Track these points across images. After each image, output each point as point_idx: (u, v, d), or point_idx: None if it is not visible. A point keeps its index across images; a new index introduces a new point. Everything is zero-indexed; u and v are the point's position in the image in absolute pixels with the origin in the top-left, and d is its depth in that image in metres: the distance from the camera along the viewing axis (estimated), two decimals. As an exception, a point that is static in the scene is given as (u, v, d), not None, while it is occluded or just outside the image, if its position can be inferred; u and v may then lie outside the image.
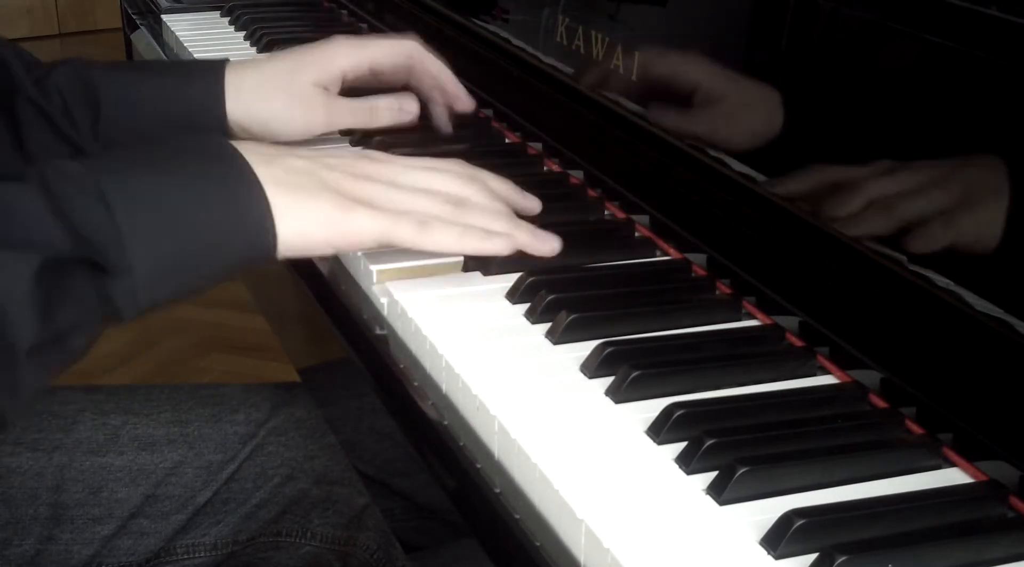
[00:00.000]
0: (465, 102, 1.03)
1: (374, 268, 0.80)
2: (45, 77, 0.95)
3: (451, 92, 1.03)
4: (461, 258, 0.82)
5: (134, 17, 1.52)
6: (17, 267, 0.61)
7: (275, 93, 0.98)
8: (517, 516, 0.62)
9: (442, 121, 1.03)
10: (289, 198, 0.73)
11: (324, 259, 0.87)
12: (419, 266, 0.80)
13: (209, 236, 0.70)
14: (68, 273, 0.64)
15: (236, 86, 0.97)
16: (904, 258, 0.65)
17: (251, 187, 0.72)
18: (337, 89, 1.00)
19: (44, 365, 0.64)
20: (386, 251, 0.80)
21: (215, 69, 0.98)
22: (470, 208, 0.79)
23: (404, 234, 0.76)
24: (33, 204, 0.64)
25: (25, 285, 0.61)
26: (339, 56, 1.00)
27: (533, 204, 0.85)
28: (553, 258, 0.82)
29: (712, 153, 0.79)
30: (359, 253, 0.82)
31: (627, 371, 0.67)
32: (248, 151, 0.74)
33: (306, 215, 0.74)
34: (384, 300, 0.79)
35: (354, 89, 1.02)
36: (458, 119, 1.06)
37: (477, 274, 0.81)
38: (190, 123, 0.97)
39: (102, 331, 0.68)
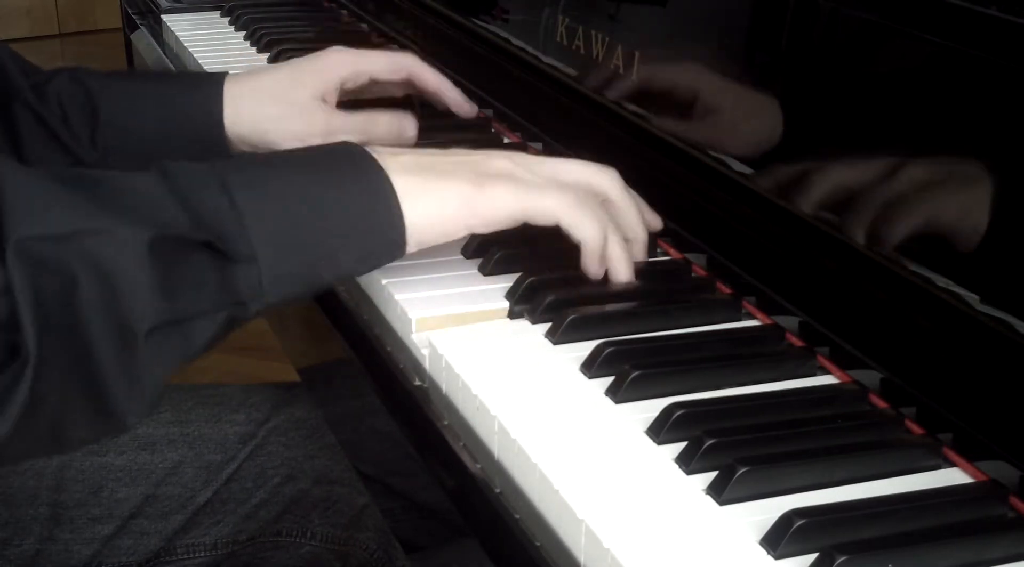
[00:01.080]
0: (466, 110, 1.05)
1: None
2: (44, 84, 0.95)
3: (451, 103, 1.04)
4: (460, 256, 0.82)
5: (134, 17, 1.52)
6: (128, 239, 0.59)
7: (273, 103, 0.98)
8: (517, 516, 0.62)
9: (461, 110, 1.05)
10: (418, 182, 0.72)
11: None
12: (420, 264, 0.80)
13: (334, 227, 0.68)
14: (187, 254, 0.62)
15: (234, 96, 0.97)
16: (904, 258, 0.65)
17: (376, 178, 0.70)
18: (335, 99, 1.00)
19: (163, 355, 0.62)
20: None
21: (215, 80, 0.98)
22: (607, 205, 0.77)
23: (545, 203, 0.73)
24: (151, 187, 0.63)
25: (138, 259, 0.59)
26: (337, 66, 1.00)
27: (655, 221, 0.83)
28: (553, 258, 0.82)
29: (712, 153, 0.79)
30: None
31: (627, 371, 0.67)
32: (373, 148, 0.73)
33: (437, 196, 0.72)
34: (384, 301, 0.79)
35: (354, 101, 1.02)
36: (458, 119, 1.06)
37: (475, 272, 0.81)
38: (188, 132, 0.96)
39: (230, 328, 0.66)
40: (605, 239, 0.76)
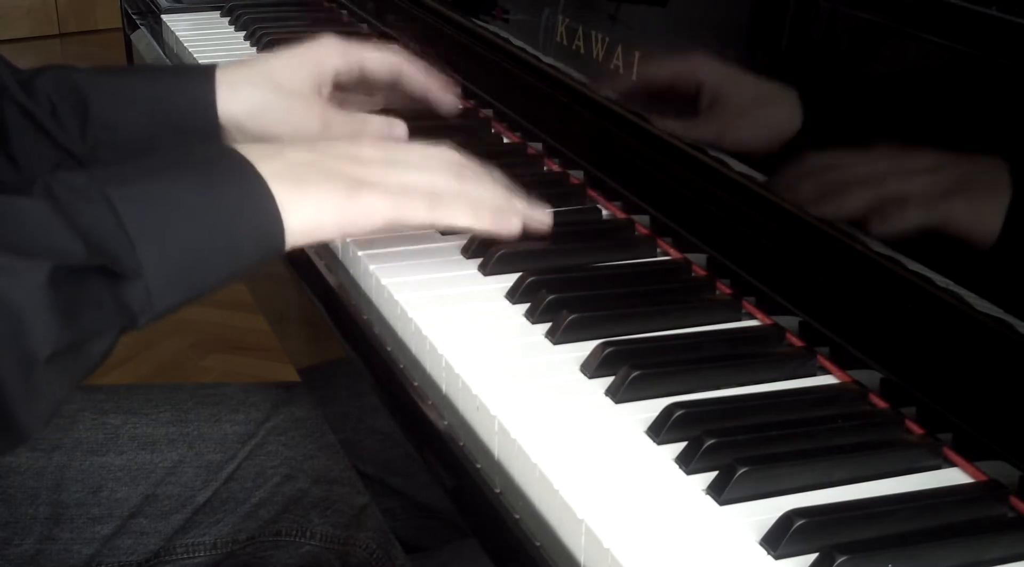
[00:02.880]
0: (449, 106, 1.05)
1: (374, 268, 0.80)
2: (31, 80, 0.95)
3: (436, 99, 1.05)
4: (461, 257, 0.82)
5: (134, 17, 1.52)
6: (29, 274, 0.61)
7: (274, 91, 0.97)
8: (517, 516, 0.62)
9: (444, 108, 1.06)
10: (294, 191, 0.73)
11: (328, 269, 0.87)
12: (421, 265, 0.81)
13: (217, 237, 0.70)
14: (83, 280, 0.64)
15: (230, 83, 0.97)
16: (904, 258, 0.65)
17: (255, 186, 0.72)
18: (328, 90, 1.00)
19: (64, 374, 0.64)
20: (385, 250, 0.80)
21: (206, 70, 0.98)
22: (470, 178, 0.80)
23: (417, 211, 0.77)
24: (42, 214, 0.64)
25: (39, 291, 0.60)
26: (332, 57, 1.00)
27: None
28: (553, 258, 0.82)
29: (712, 153, 0.79)
30: (359, 253, 0.82)
31: (627, 371, 0.67)
32: (247, 151, 0.74)
33: (314, 205, 0.74)
34: (384, 300, 0.79)
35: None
36: (459, 119, 1.06)
37: (477, 274, 0.81)
38: (181, 124, 0.96)
39: (118, 339, 0.67)
40: (486, 211, 0.79)
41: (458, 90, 1.05)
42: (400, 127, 1.00)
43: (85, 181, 0.67)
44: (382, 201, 0.76)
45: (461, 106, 1.06)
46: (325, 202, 0.74)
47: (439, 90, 1.04)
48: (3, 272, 0.60)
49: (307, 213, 0.73)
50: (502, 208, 0.80)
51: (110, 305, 0.65)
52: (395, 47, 1.04)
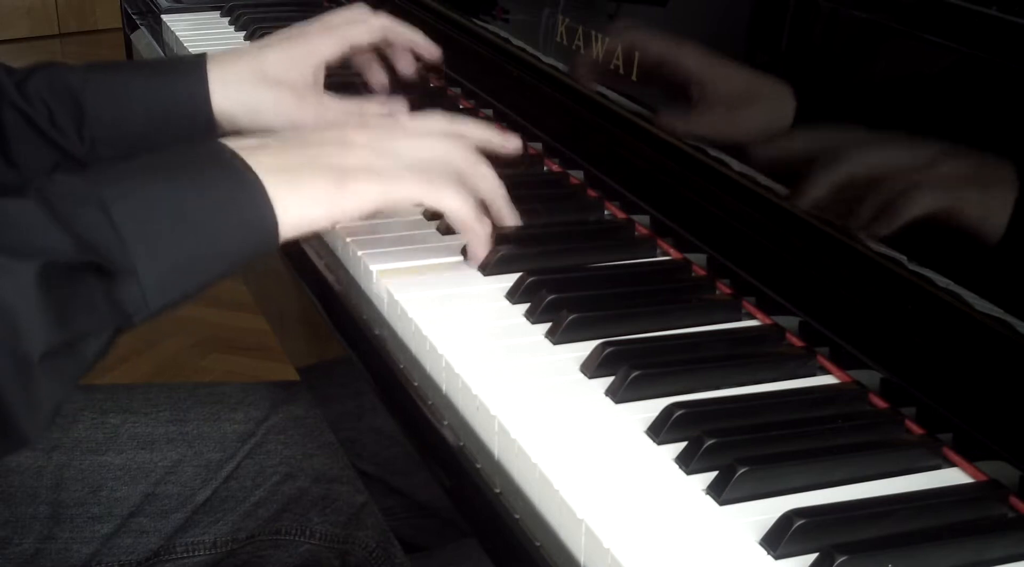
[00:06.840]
0: (435, 53, 1.08)
1: (374, 268, 0.80)
2: (25, 82, 0.95)
3: (424, 51, 1.07)
4: (460, 257, 0.82)
5: (134, 17, 1.52)
6: (18, 272, 0.61)
7: (266, 86, 0.98)
8: (517, 516, 0.62)
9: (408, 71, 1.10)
10: (283, 183, 0.73)
11: (328, 268, 0.87)
12: (421, 266, 0.81)
13: (211, 233, 0.70)
14: (75, 278, 0.64)
15: (222, 77, 0.97)
16: (904, 258, 0.65)
17: (246, 181, 0.72)
18: (322, 77, 1.01)
19: (59, 374, 0.64)
20: (385, 250, 0.80)
21: (197, 63, 0.98)
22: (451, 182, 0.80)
23: (410, 190, 0.77)
24: (33, 214, 0.64)
25: (29, 290, 0.61)
26: (322, 47, 1.01)
27: (514, 144, 0.88)
28: (553, 258, 0.82)
29: (712, 153, 0.79)
30: (359, 253, 0.82)
31: (627, 371, 0.67)
32: (238, 146, 0.74)
33: (303, 195, 0.74)
34: (384, 300, 0.79)
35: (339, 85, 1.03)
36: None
37: (475, 272, 0.81)
38: (176, 119, 0.96)
39: (116, 338, 0.67)
40: (472, 205, 0.80)
41: (439, 53, 1.08)
42: (401, 110, 1.00)
43: (78, 182, 0.67)
44: (370, 184, 0.76)
45: (441, 56, 1.08)
46: (317, 192, 0.74)
47: (424, 40, 1.07)
48: None
49: (297, 205, 0.74)
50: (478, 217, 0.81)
51: (103, 305, 0.65)
52: (377, 13, 1.06)
